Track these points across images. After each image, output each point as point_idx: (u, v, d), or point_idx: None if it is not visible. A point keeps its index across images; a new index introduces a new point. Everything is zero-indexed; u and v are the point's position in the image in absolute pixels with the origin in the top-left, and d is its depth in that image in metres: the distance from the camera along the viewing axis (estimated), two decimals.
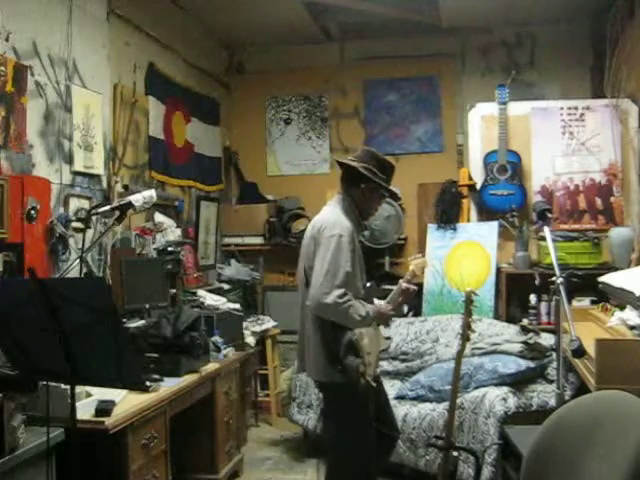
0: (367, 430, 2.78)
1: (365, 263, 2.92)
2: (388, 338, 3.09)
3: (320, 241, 2.68)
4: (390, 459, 3.17)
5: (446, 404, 3.38)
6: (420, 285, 5.14)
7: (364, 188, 2.80)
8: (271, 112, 6.13)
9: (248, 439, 4.61)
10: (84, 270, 3.49)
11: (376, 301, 2.88)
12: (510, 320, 4.59)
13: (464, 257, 4.98)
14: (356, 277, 2.74)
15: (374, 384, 2.72)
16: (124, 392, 2.68)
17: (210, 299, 4.52)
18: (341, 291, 2.58)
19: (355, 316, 2.62)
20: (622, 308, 3.33)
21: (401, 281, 2.86)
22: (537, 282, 4.44)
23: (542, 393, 3.61)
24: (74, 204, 3.58)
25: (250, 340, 4.54)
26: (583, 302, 4.29)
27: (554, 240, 2.87)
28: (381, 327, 2.92)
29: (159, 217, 4.49)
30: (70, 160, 3.61)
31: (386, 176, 2.83)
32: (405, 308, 5.18)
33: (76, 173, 3.66)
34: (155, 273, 4.02)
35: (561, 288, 2.59)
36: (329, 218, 2.76)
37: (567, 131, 4.97)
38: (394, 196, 3.01)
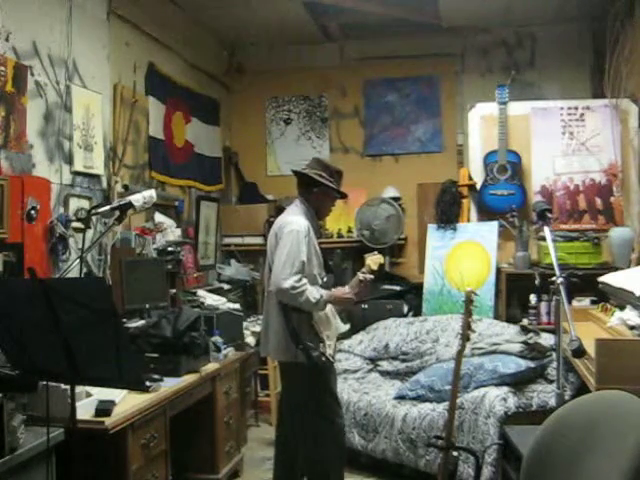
0: (334, 406, 3.12)
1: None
2: (346, 324, 3.40)
3: (281, 236, 3.04)
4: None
5: (446, 404, 3.38)
6: (420, 285, 5.16)
7: (317, 192, 3.17)
8: (271, 112, 6.13)
9: (248, 439, 4.60)
10: (84, 270, 3.49)
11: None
12: (510, 320, 4.58)
13: (464, 257, 4.98)
14: (312, 266, 3.06)
15: (333, 360, 3.10)
16: (124, 392, 2.68)
17: (210, 299, 4.52)
18: (298, 277, 2.91)
19: (310, 298, 2.92)
20: (622, 308, 3.33)
21: (359, 273, 3.13)
22: (537, 282, 4.44)
23: (542, 393, 3.61)
24: (74, 204, 3.58)
25: (250, 340, 4.54)
26: (583, 302, 4.29)
27: (554, 240, 2.86)
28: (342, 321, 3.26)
29: (159, 217, 4.49)
30: (70, 160, 3.61)
31: (335, 180, 3.19)
32: (405, 308, 5.18)
33: (76, 173, 3.66)
34: (155, 273, 4.02)
35: (561, 288, 2.58)
36: (289, 217, 3.13)
37: (567, 131, 4.97)
38: (344, 197, 3.31)
